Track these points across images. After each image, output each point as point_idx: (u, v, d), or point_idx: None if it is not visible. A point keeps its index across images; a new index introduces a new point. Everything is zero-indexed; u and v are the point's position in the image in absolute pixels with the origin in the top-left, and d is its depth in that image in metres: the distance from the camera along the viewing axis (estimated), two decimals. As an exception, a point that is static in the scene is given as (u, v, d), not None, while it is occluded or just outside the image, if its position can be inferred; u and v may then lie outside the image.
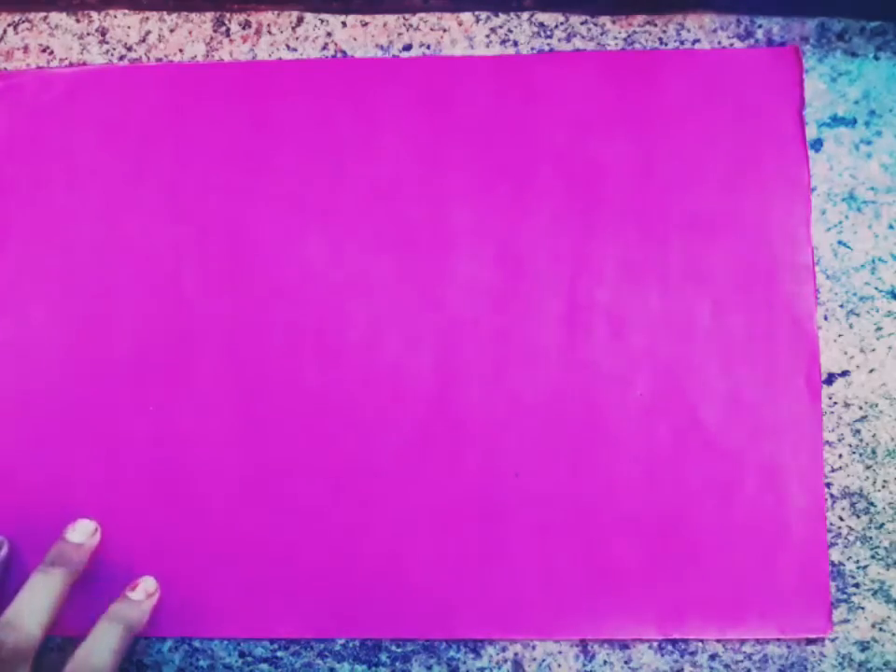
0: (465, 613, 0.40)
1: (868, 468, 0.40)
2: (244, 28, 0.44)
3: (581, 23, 0.44)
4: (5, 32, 0.45)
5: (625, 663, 0.40)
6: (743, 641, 0.40)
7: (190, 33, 0.45)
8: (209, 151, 0.43)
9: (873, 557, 0.40)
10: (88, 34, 0.45)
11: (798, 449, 0.40)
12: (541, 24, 0.44)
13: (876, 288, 0.41)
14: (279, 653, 0.41)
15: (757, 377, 0.41)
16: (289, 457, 0.42)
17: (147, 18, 0.45)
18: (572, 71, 0.43)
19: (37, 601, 0.38)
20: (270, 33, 0.44)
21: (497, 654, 0.40)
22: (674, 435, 0.41)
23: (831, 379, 0.41)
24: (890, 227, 0.41)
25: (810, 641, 0.39)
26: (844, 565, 0.40)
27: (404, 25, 0.44)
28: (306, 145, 0.43)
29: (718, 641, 0.40)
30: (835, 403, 0.41)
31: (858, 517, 0.40)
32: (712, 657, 0.40)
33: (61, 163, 0.44)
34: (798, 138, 0.42)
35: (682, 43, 0.43)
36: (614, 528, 0.40)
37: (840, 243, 0.42)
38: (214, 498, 0.41)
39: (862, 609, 0.40)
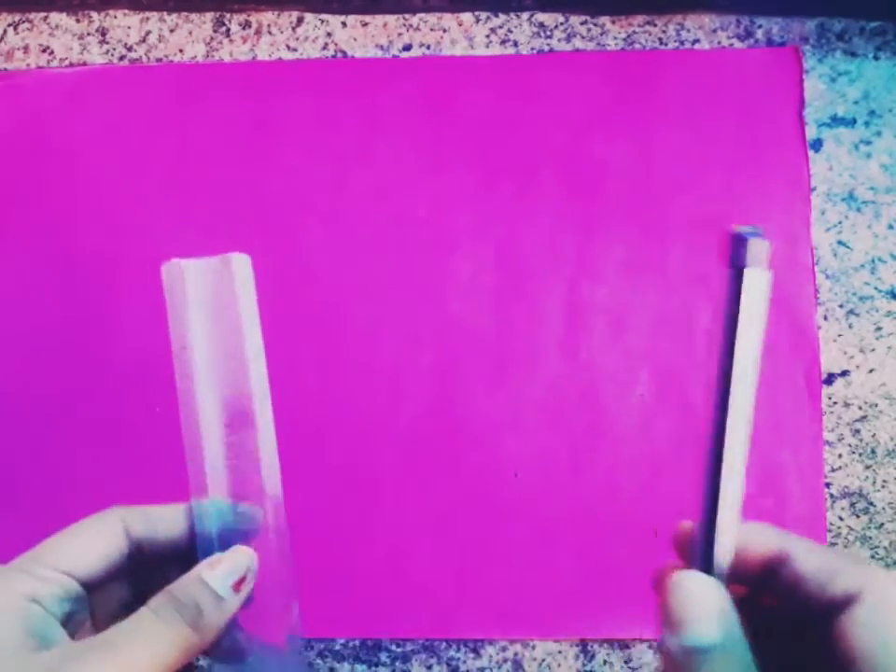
0: (465, 613, 0.40)
1: (868, 467, 0.40)
2: (244, 28, 0.44)
3: (581, 23, 0.44)
4: (5, 32, 0.45)
5: (625, 662, 0.40)
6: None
7: (190, 33, 0.45)
8: (209, 151, 0.43)
9: (872, 557, 0.40)
10: (88, 34, 0.45)
11: (798, 449, 0.40)
12: (541, 24, 0.44)
13: (876, 288, 0.41)
14: (279, 653, 0.41)
15: (757, 377, 0.41)
16: (289, 456, 0.42)
17: (148, 18, 0.45)
18: (572, 71, 0.43)
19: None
20: (270, 33, 0.44)
21: (497, 654, 0.40)
22: (674, 435, 0.41)
23: (831, 379, 0.41)
24: (890, 227, 0.41)
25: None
26: (844, 564, 0.40)
27: (404, 25, 0.44)
28: (307, 144, 0.43)
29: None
30: (835, 403, 0.41)
31: (857, 517, 0.40)
32: (712, 657, 0.40)
33: (61, 163, 0.43)
34: (798, 138, 0.42)
35: (682, 43, 0.43)
36: (614, 528, 0.40)
37: (840, 243, 0.42)
38: None
39: (862, 608, 0.40)
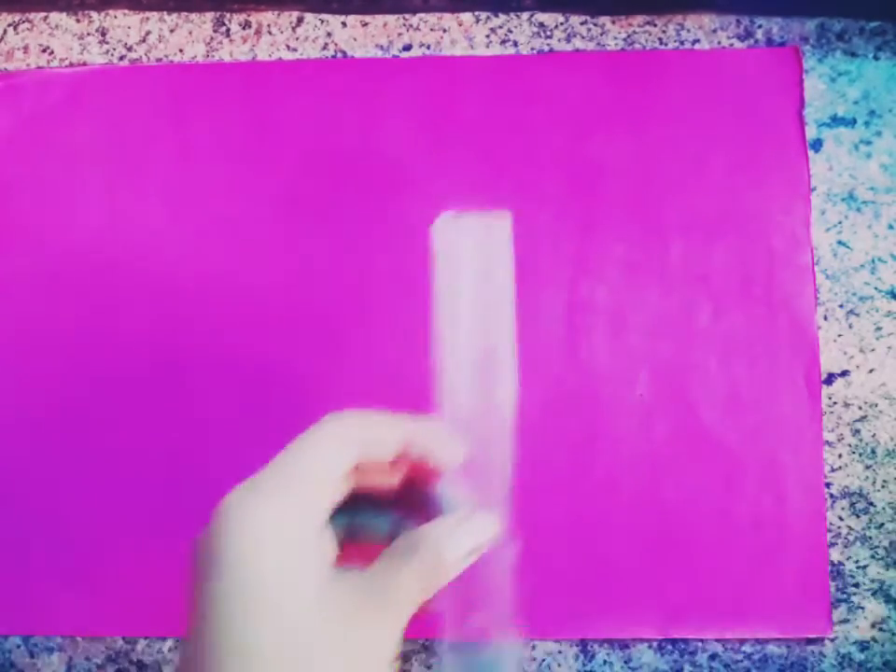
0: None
1: (868, 468, 0.40)
2: (244, 28, 0.44)
3: (581, 23, 0.44)
4: (5, 32, 0.45)
5: (625, 662, 0.40)
6: (743, 641, 0.40)
7: (190, 33, 0.45)
8: (208, 151, 0.43)
9: (872, 557, 0.40)
10: (88, 34, 0.45)
11: (798, 449, 0.40)
12: (541, 24, 0.44)
13: (876, 288, 0.41)
14: (279, 653, 0.41)
15: (757, 377, 0.41)
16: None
17: (148, 18, 0.45)
18: (572, 71, 0.43)
19: None
20: (270, 33, 0.44)
21: (497, 654, 0.40)
22: (674, 435, 0.41)
23: (831, 379, 0.41)
24: (890, 227, 0.41)
25: (810, 641, 0.39)
26: (844, 565, 0.40)
27: (404, 25, 0.44)
28: (305, 145, 0.43)
29: (718, 641, 0.40)
30: (835, 403, 0.41)
31: (857, 517, 0.40)
32: (712, 657, 0.40)
33: (60, 164, 0.43)
34: (798, 138, 0.42)
35: (682, 43, 0.43)
36: (614, 528, 0.40)
37: (840, 243, 0.42)
38: (210, 503, 0.41)
39: (862, 608, 0.40)
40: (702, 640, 0.40)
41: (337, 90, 0.43)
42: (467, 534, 0.29)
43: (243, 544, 0.26)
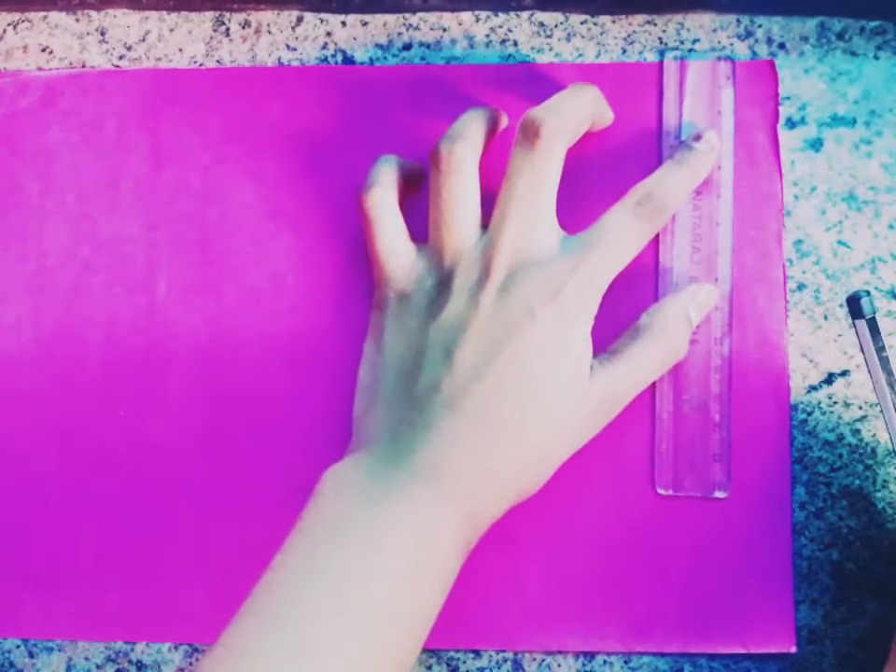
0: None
1: (868, 467, 0.40)
2: (243, 28, 0.44)
3: (581, 23, 0.43)
4: (4, 32, 0.45)
5: (625, 662, 0.40)
6: (743, 641, 0.40)
7: (190, 32, 0.45)
8: (185, 157, 0.43)
9: (873, 557, 0.40)
10: (87, 33, 0.45)
11: (765, 467, 0.40)
12: (541, 24, 0.44)
13: (876, 288, 0.41)
14: (279, 653, 0.41)
15: (724, 395, 0.40)
16: (262, 463, 0.41)
17: (147, 17, 0.45)
18: (544, 83, 0.42)
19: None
20: (269, 32, 0.44)
21: (497, 654, 0.40)
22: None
23: (830, 379, 0.41)
24: (890, 227, 0.41)
25: (811, 641, 0.39)
26: (844, 565, 0.40)
27: (404, 25, 0.44)
28: (284, 152, 0.43)
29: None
30: (835, 403, 0.41)
31: (858, 517, 0.40)
32: (711, 657, 0.39)
33: (35, 168, 0.43)
34: (772, 153, 0.41)
35: (682, 42, 0.43)
36: (577, 541, 0.40)
37: (840, 242, 0.42)
38: (188, 503, 0.41)
39: (863, 609, 0.40)
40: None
41: (314, 98, 0.43)
42: (700, 302, 0.38)
43: None
